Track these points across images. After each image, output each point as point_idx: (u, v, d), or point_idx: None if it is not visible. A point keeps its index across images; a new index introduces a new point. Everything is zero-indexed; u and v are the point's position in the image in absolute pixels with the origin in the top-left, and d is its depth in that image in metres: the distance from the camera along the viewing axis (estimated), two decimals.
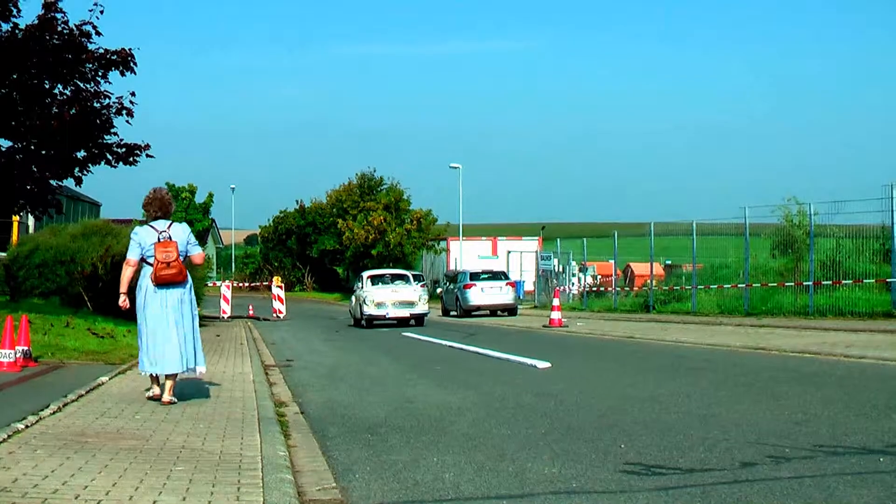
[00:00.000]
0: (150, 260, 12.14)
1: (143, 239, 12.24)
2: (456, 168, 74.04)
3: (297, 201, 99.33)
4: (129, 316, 26.74)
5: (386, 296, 38.33)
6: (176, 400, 12.21)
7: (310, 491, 7.56)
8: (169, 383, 12.23)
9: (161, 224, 12.37)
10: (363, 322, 38.38)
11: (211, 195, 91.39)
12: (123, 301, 12.62)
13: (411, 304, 38.27)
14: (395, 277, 41.52)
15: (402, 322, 38.20)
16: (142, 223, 13.08)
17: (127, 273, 12.42)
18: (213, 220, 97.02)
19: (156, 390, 12.43)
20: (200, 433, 9.79)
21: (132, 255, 12.26)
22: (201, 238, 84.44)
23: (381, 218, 77.78)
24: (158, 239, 12.16)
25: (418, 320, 38.40)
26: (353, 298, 41.16)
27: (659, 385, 14.62)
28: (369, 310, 37.90)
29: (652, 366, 17.35)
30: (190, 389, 13.82)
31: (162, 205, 12.58)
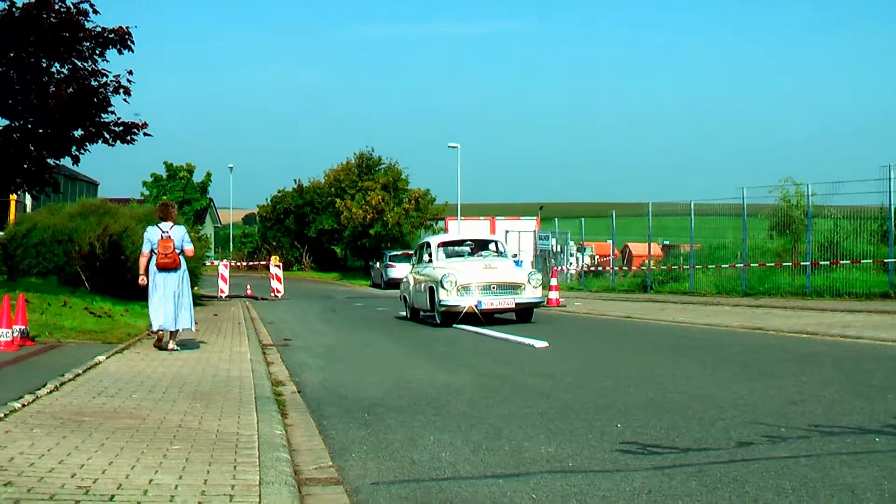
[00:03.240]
0: (157, 249, 16.75)
1: (151, 236, 16.91)
2: (454, 147, 73.90)
3: (295, 181, 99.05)
4: (126, 295, 27.00)
5: (476, 274, 25.14)
6: (178, 348, 16.86)
7: (306, 470, 7.57)
8: (171, 337, 16.96)
9: (165, 226, 16.90)
10: (437, 316, 25.34)
11: (209, 174, 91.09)
12: (142, 280, 16.94)
13: (516, 288, 24.97)
14: (480, 245, 28.57)
15: (487, 318, 24.77)
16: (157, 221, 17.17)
17: (143, 262, 16.93)
18: (211, 200, 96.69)
19: (161, 341, 17.05)
20: (197, 412, 9.79)
21: (146, 249, 16.91)
22: (199, 217, 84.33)
23: (380, 197, 77.57)
24: (161, 237, 16.80)
25: (526, 313, 25.44)
26: (410, 279, 28.62)
27: (656, 365, 14.64)
28: (449, 297, 24.64)
29: (649, 346, 17.37)
30: (188, 368, 13.86)
31: (165, 212, 17.20)
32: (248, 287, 50.23)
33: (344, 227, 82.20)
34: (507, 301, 24.77)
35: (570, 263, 56.23)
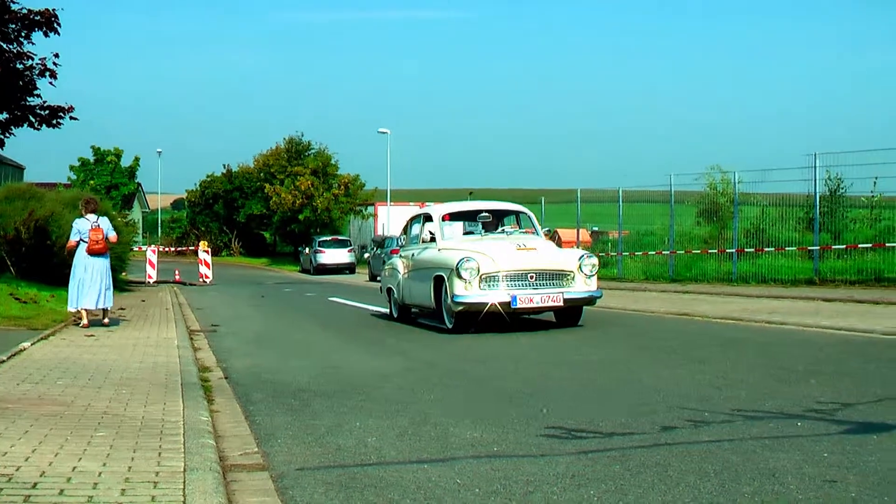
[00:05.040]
0: (86, 238, 18.28)
1: (81, 227, 18.45)
2: (384, 133, 73.96)
3: (224, 166, 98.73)
4: (53, 281, 26.66)
5: (508, 258, 18.07)
6: (110, 323, 18.98)
7: (232, 456, 7.56)
8: (104, 312, 18.85)
9: (92, 217, 18.56)
10: (446, 318, 18.47)
11: (137, 159, 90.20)
12: (70, 245, 18.58)
13: (563, 277, 18.13)
14: (496, 216, 21.23)
15: (515, 319, 18.76)
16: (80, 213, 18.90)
17: (71, 247, 18.52)
18: (139, 184, 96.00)
19: (86, 321, 18.36)
20: (123, 399, 9.74)
21: (74, 238, 18.41)
22: (127, 202, 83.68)
23: (309, 183, 77.39)
24: (91, 227, 18.38)
25: (573, 313, 18.75)
26: (399, 266, 21.77)
27: (583, 351, 14.73)
28: (469, 291, 17.63)
29: (577, 332, 17.46)
30: (114, 354, 13.78)
31: (94, 206, 18.88)
32: (177, 272, 49.98)
33: (273, 213, 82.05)
34: (552, 296, 17.65)
35: None
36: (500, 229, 20.58)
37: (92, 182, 76.78)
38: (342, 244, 64.78)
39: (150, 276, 46.03)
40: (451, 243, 19.55)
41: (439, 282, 18.57)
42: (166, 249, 73.84)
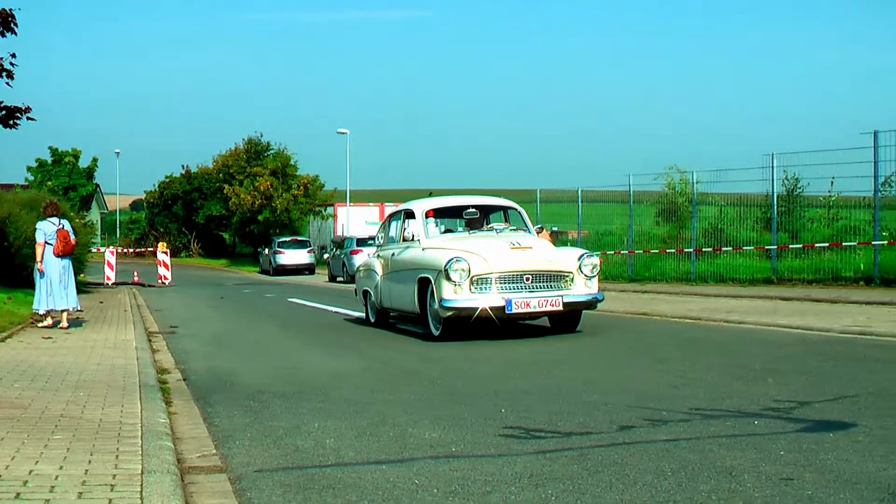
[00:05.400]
0: (52, 241, 18.55)
1: (46, 229, 18.69)
2: (344, 133, 73.83)
3: (183, 166, 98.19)
4: (10, 283, 26.48)
5: (501, 258, 16.58)
6: (69, 325, 18.94)
7: (190, 458, 7.54)
8: (64, 315, 18.98)
9: (55, 220, 18.84)
10: (432, 324, 16.98)
11: (95, 160, 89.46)
12: (40, 267, 18.63)
13: (561, 279, 16.74)
14: (484, 212, 19.73)
15: (503, 322, 16.95)
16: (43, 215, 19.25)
17: (40, 251, 18.67)
18: (97, 185, 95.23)
19: (49, 321, 18.84)
20: (80, 401, 9.70)
21: (41, 239, 18.67)
22: (85, 203, 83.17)
23: (268, 183, 77.14)
24: (57, 228, 18.67)
25: (571, 318, 17.29)
26: (376, 267, 20.27)
27: (542, 351, 14.74)
28: (459, 294, 16.17)
29: (535, 332, 17.48)
30: (72, 357, 13.71)
31: (56, 208, 19.23)
32: (136, 274, 49.73)
33: (232, 214, 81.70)
34: (550, 300, 16.28)
35: None
36: (487, 227, 19.01)
37: (50, 183, 76.21)
38: (301, 245, 64.60)
39: (108, 278, 45.82)
40: (437, 242, 18.08)
41: (424, 284, 17.06)
42: (125, 251, 73.66)
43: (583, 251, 17.49)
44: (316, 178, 79.89)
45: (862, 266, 27.78)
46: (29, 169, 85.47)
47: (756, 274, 31.07)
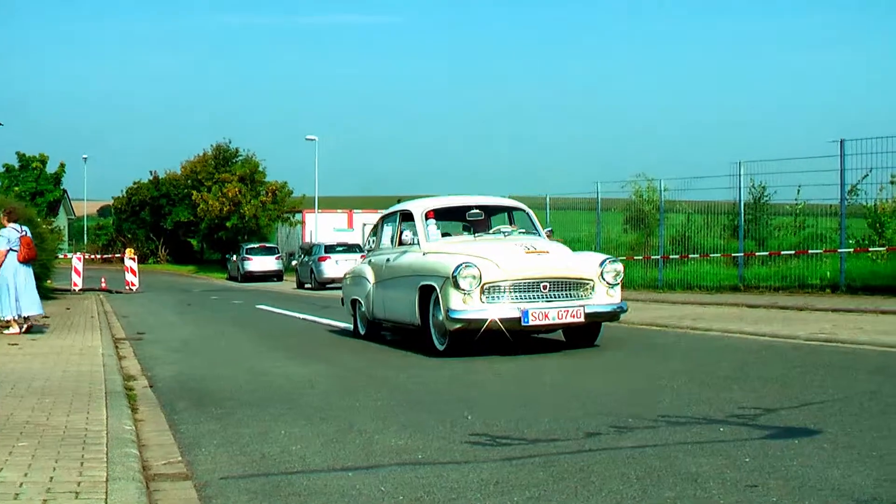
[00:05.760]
0: (16, 247, 18.84)
1: (10, 236, 18.89)
2: (312, 140, 73.72)
3: (151, 172, 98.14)
4: None
5: (515, 264, 14.91)
6: (32, 327, 19.48)
7: (155, 465, 7.52)
8: (30, 320, 19.51)
9: (16, 226, 19.16)
10: (435, 338, 15.34)
11: (63, 165, 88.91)
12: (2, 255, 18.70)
13: (581, 286, 15.10)
14: (490, 213, 17.87)
15: (518, 337, 15.88)
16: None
17: (1, 258, 18.67)
18: (64, 191, 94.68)
19: (15, 329, 18.97)
20: (45, 408, 9.65)
21: (4, 247, 18.75)
22: (52, 209, 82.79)
23: (236, 190, 77.01)
24: (21, 235, 18.98)
25: (590, 331, 15.74)
26: (368, 274, 18.34)
27: (507, 358, 14.69)
28: (468, 304, 14.49)
29: (501, 338, 17.47)
30: (38, 363, 13.65)
31: (17, 215, 19.78)
32: (103, 280, 49.52)
33: (200, 220, 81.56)
34: (570, 311, 14.57)
35: None
36: (493, 230, 17.15)
37: (17, 188, 75.89)
38: (270, 251, 64.46)
39: (75, 284, 45.57)
40: (439, 245, 16.36)
41: (427, 293, 15.34)
42: (92, 257, 73.34)
43: (605, 256, 15.89)
44: (284, 184, 79.80)
45: (828, 274, 27.89)
46: None
47: (723, 281, 31.16)
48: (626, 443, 7.92)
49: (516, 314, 14.33)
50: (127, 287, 46.63)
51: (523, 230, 17.07)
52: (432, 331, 15.32)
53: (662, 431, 8.33)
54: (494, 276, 14.53)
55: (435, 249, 16.12)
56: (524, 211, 17.87)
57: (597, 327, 15.64)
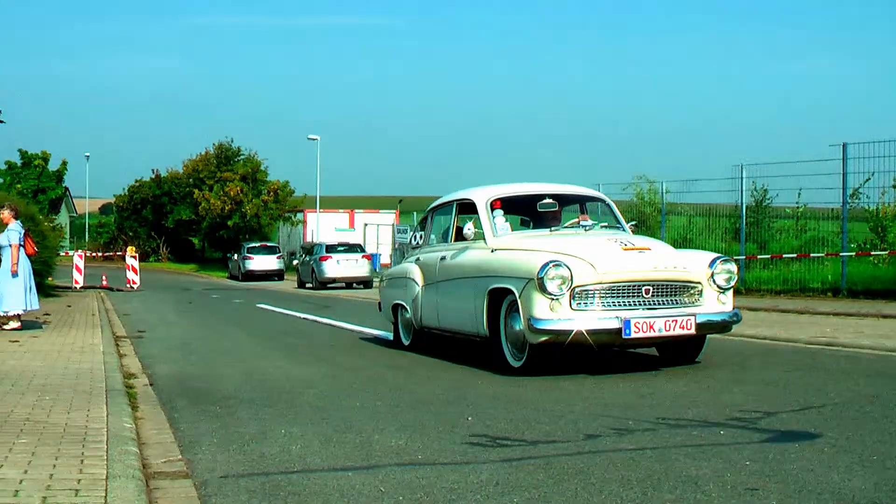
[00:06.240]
0: (23, 243, 19.11)
1: (20, 230, 19.13)
2: (314, 140, 73.67)
3: (153, 171, 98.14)
4: None
5: (613, 261, 12.16)
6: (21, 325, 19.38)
7: (155, 463, 7.51)
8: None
9: (18, 223, 19.32)
10: (509, 353, 12.88)
11: (65, 163, 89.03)
12: (15, 269, 18.78)
13: (687, 290, 12.50)
14: (563, 202, 15.24)
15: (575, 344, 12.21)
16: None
17: (16, 253, 18.87)
18: (66, 189, 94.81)
19: (18, 324, 19.21)
20: (46, 405, 9.65)
21: (16, 241, 18.91)
22: (54, 206, 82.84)
23: (238, 188, 77.03)
24: (25, 231, 19.42)
25: (693, 346, 13.23)
26: (415, 274, 15.66)
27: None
28: (556, 311, 11.84)
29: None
30: (38, 360, 13.65)
31: (19, 212, 20.08)
32: (104, 278, 49.48)
33: (202, 219, 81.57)
34: (679, 321, 12.04)
35: None
36: (571, 223, 14.60)
37: (19, 186, 75.88)
38: (271, 251, 64.44)
39: (76, 282, 45.57)
40: (510, 241, 13.72)
41: (498, 298, 12.86)
42: (94, 254, 73.39)
43: (715, 255, 13.13)
44: (286, 183, 79.84)
45: (829, 277, 27.90)
46: None
47: None
48: (626, 445, 7.91)
49: (615, 325, 11.84)
50: (128, 285, 46.60)
51: (605, 224, 14.71)
52: (504, 344, 12.93)
53: (662, 434, 8.32)
54: (589, 277, 12.01)
55: (506, 245, 13.56)
56: (606, 202, 15.66)
57: (702, 340, 13.24)
